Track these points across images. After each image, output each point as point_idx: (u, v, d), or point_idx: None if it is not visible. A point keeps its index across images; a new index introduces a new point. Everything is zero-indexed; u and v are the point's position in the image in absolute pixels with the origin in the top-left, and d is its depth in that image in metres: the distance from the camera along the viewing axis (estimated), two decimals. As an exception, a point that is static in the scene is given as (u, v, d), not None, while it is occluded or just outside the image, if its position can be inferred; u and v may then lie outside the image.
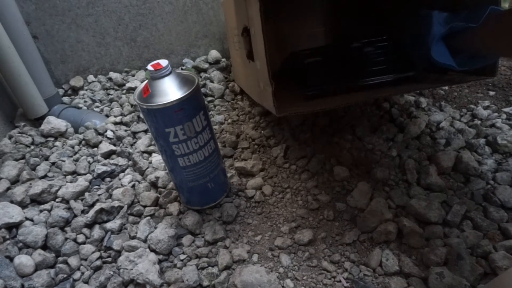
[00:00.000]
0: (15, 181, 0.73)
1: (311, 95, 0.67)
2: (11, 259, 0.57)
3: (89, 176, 0.73)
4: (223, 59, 1.10)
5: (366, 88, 0.67)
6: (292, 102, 0.65)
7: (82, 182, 0.69)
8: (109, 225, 0.62)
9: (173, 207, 0.64)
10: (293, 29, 0.88)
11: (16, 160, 0.79)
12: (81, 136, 0.85)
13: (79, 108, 0.97)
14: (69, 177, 0.74)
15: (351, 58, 0.74)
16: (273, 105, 0.54)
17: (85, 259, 0.58)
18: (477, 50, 0.56)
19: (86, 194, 0.68)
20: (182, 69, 1.11)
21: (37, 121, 0.90)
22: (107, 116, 0.94)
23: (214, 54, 1.09)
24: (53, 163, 0.78)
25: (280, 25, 0.85)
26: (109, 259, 0.58)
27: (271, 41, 0.52)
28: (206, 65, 1.08)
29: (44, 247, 0.60)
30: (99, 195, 0.69)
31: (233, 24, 0.78)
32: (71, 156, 0.80)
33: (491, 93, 0.86)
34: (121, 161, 0.77)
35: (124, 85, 1.05)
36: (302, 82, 0.72)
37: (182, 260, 0.56)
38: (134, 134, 0.88)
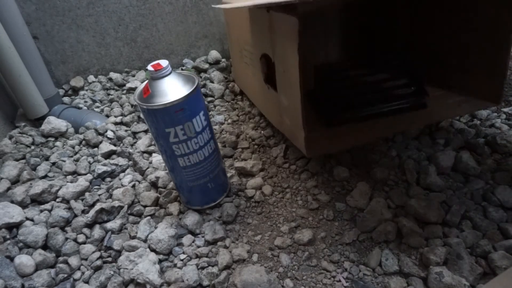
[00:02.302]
0: (15, 181, 0.74)
1: (332, 123, 0.68)
2: (11, 259, 0.57)
3: (89, 176, 0.74)
4: (223, 60, 1.10)
5: (384, 114, 0.68)
6: (315, 130, 0.65)
7: (82, 182, 0.69)
8: (109, 225, 0.62)
9: (173, 207, 0.64)
10: (312, 51, 0.88)
11: (17, 160, 0.79)
12: (81, 136, 0.85)
13: (80, 108, 0.97)
14: (69, 177, 0.74)
15: (364, 79, 0.75)
16: (304, 147, 0.56)
17: (86, 259, 0.58)
18: None
19: (87, 194, 0.68)
20: (182, 69, 1.11)
21: (38, 121, 0.90)
22: (108, 116, 0.94)
23: (214, 54, 1.10)
24: (53, 163, 0.78)
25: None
26: (110, 259, 0.58)
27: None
28: (206, 66, 1.08)
29: (45, 247, 0.60)
30: (99, 195, 0.69)
31: (244, 38, 0.76)
32: (72, 156, 0.81)
33: (491, 93, 0.86)
34: (122, 161, 0.77)
35: (124, 85, 1.05)
36: (321, 108, 0.71)
37: (182, 260, 0.56)
38: (135, 134, 0.88)
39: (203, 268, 0.54)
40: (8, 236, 0.60)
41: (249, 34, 0.72)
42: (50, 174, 0.76)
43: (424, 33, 0.74)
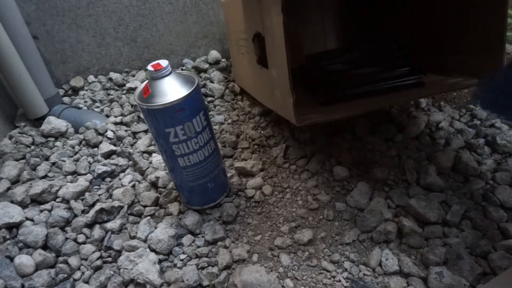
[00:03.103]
0: (15, 181, 0.74)
1: (325, 101, 0.68)
2: (11, 259, 0.57)
3: (89, 176, 0.74)
4: (223, 59, 1.10)
5: (377, 92, 0.68)
6: (308, 109, 0.65)
7: (82, 182, 0.69)
8: (109, 225, 0.62)
9: (173, 207, 0.64)
10: (303, 30, 0.88)
11: (17, 160, 0.79)
12: (81, 136, 0.85)
13: (80, 108, 0.97)
14: (69, 177, 0.74)
15: (362, 62, 0.75)
16: (293, 115, 0.55)
17: (86, 259, 0.58)
18: None
19: (87, 194, 0.68)
20: (182, 69, 1.11)
21: (38, 121, 0.90)
22: (107, 116, 0.94)
23: (214, 54, 1.10)
24: (53, 163, 0.78)
25: (292, 27, 0.87)
26: (110, 259, 0.58)
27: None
28: (206, 66, 1.08)
29: (45, 247, 0.60)
30: (99, 195, 0.69)
31: (239, 27, 0.77)
32: (72, 156, 0.81)
33: (491, 93, 0.86)
34: (121, 161, 0.77)
35: (124, 85, 1.05)
36: (315, 87, 0.72)
37: (182, 260, 0.56)
38: (134, 134, 0.88)
39: (203, 268, 0.54)
40: (8, 236, 0.60)
41: (242, 20, 0.73)
42: (50, 174, 0.76)
43: (423, 15, 0.73)
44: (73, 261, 0.57)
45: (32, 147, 0.84)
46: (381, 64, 0.72)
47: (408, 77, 0.68)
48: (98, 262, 0.57)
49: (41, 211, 0.65)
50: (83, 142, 0.85)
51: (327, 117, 0.60)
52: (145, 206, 0.66)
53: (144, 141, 0.83)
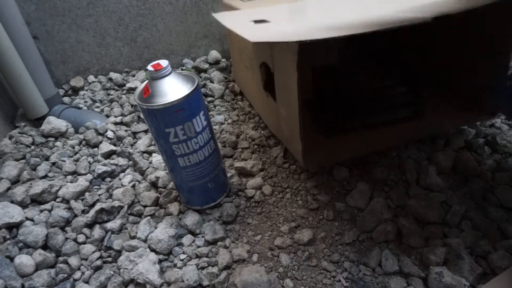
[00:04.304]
0: (15, 181, 0.74)
1: (330, 133, 0.67)
2: (11, 259, 0.57)
3: (89, 176, 0.74)
4: (223, 60, 1.10)
5: (383, 124, 0.67)
6: (313, 140, 0.65)
7: (82, 182, 0.69)
8: (109, 225, 0.62)
9: (173, 207, 0.64)
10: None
11: (17, 160, 0.79)
12: (81, 136, 0.85)
13: (80, 108, 0.97)
14: (69, 177, 0.74)
15: (363, 84, 0.74)
16: (301, 159, 0.56)
17: (86, 259, 0.58)
18: None
19: (87, 194, 0.68)
20: (182, 69, 1.11)
21: (38, 121, 0.90)
22: (108, 116, 0.94)
23: (214, 54, 1.10)
24: (53, 163, 0.78)
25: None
26: (110, 259, 0.58)
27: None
28: (206, 66, 1.08)
29: (45, 247, 0.60)
30: (99, 195, 0.69)
31: (244, 43, 0.75)
32: (72, 156, 0.81)
33: (491, 93, 0.86)
34: (122, 161, 0.77)
35: (124, 85, 1.05)
36: (321, 116, 0.70)
37: (182, 260, 0.56)
38: (135, 134, 0.88)
39: (203, 268, 0.54)
40: (8, 236, 0.60)
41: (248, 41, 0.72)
42: (50, 174, 0.76)
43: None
44: (73, 261, 0.57)
45: (32, 147, 0.84)
46: (383, 86, 0.71)
47: (413, 106, 0.68)
48: (98, 262, 0.57)
49: (41, 211, 0.65)
50: (83, 142, 0.85)
51: (333, 161, 0.62)
52: (145, 206, 0.66)
53: (144, 141, 0.83)
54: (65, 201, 0.67)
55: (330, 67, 0.85)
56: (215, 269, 0.54)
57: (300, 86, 0.49)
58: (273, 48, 0.57)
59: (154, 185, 0.70)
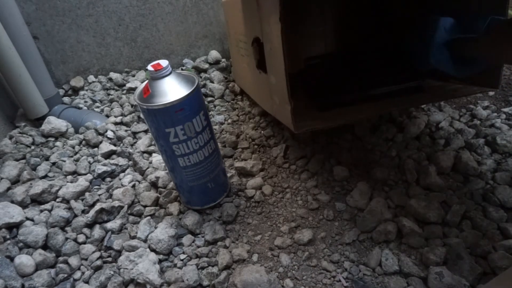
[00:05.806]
0: (15, 181, 0.74)
1: (323, 107, 0.67)
2: (11, 259, 0.57)
3: (89, 176, 0.74)
4: (223, 60, 1.10)
5: (375, 98, 0.67)
6: (307, 115, 0.65)
7: (82, 182, 0.69)
8: (109, 225, 0.62)
9: (173, 207, 0.64)
10: (302, 30, 0.88)
11: (17, 160, 0.79)
12: (81, 136, 0.85)
13: (80, 108, 0.97)
14: (69, 177, 0.74)
15: (359, 66, 0.74)
16: (291, 122, 0.55)
17: (86, 259, 0.58)
18: (479, 58, 0.56)
19: (87, 194, 0.68)
20: (182, 69, 1.11)
21: (38, 121, 0.90)
22: (108, 116, 0.94)
23: (214, 54, 1.10)
24: (53, 163, 0.78)
25: (291, 29, 0.86)
26: (110, 259, 0.58)
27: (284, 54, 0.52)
28: (206, 66, 1.08)
29: (45, 247, 0.60)
30: (99, 195, 0.69)
31: (239, 29, 0.77)
32: (72, 156, 0.81)
33: (491, 93, 0.86)
34: (122, 161, 0.77)
35: (124, 85, 1.05)
36: (314, 92, 0.71)
37: (182, 260, 0.56)
38: (135, 134, 0.88)
39: (203, 268, 0.54)
40: (8, 236, 0.60)
41: (242, 23, 0.73)
42: (50, 174, 0.76)
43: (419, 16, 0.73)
44: (73, 261, 0.57)
45: (32, 147, 0.84)
46: (380, 68, 0.72)
47: (407, 82, 0.68)
48: (98, 262, 0.57)
49: (41, 211, 0.65)
50: (83, 142, 0.85)
51: (324, 124, 0.60)
52: (145, 206, 0.66)
53: (144, 141, 0.83)
54: (65, 201, 0.67)
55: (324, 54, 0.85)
56: (215, 269, 0.54)
57: (284, 38, 0.49)
58: (261, 14, 0.58)
59: (154, 185, 0.70)
